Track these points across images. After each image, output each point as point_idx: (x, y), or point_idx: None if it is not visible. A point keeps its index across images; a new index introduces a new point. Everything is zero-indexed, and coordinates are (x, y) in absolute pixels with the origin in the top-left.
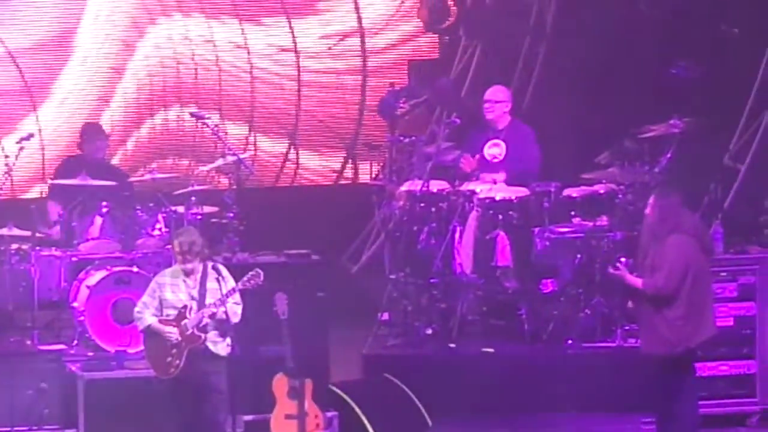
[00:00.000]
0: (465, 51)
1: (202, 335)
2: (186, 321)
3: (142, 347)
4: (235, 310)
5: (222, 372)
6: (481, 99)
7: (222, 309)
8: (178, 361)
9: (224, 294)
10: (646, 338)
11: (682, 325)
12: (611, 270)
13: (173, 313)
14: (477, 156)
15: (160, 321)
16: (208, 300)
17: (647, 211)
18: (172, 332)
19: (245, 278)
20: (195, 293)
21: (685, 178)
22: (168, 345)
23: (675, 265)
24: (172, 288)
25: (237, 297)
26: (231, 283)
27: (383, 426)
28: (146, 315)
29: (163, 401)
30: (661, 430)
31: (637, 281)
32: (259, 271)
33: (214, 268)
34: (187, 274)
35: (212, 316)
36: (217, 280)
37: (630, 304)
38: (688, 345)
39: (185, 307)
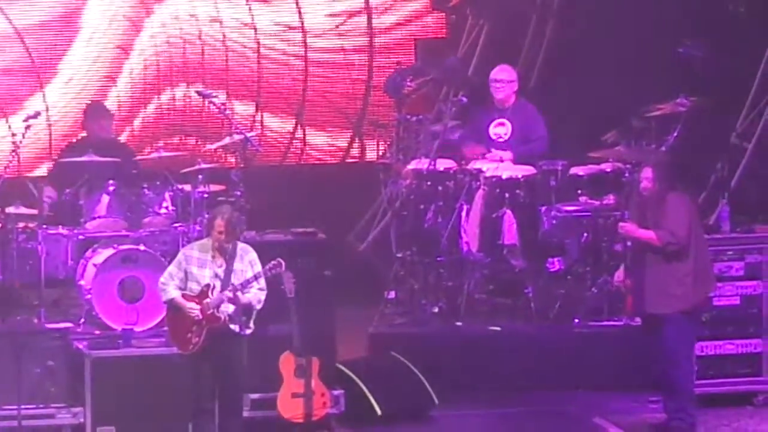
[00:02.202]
0: (472, 29)
1: (222, 316)
2: (208, 300)
3: (150, 325)
4: (259, 296)
5: (242, 351)
6: (488, 78)
7: (242, 294)
8: (197, 339)
9: (247, 279)
10: (653, 297)
11: (692, 282)
12: (620, 226)
13: (196, 288)
14: (482, 148)
15: (183, 296)
16: (233, 281)
17: (643, 184)
18: (194, 309)
19: (267, 266)
20: (221, 272)
21: (691, 157)
22: (189, 321)
23: (681, 216)
24: (199, 262)
25: (262, 282)
26: (257, 266)
27: (390, 404)
28: (170, 287)
29: (174, 379)
30: (667, 404)
31: (650, 234)
32: (281, 261)
33: (243, 249)
34: (220, 251)
35: (232, 300)
36: (242, 261)
37: (618, 276)
38: (695, 301)
39: (208, 286)
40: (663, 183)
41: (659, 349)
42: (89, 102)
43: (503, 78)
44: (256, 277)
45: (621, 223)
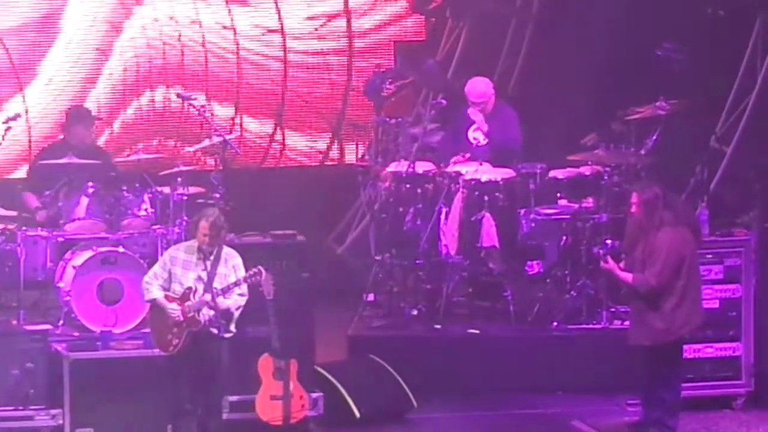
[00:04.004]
0: (451, 32)
1: (203, 320)
2: (189, 303)
3: (129, 327)
4: (239, 302)
5: (222, 353)
6: (466, 81)
7: (222, 299)
8: (177, 340)
9: (228, 285)
10: (636, 330)
11: (675, 317)
12: (602, 264)
13: (179, 290)
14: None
15: (166, 297)
16: (215, 284)
17: (632, 209)
18: (175, 311)
19: (247, 274)
20: (204, 275)
21: (670, 161)
22: (170, 322)
23: (667, 261)
24: (184, 264)
25: (243, 288)
26: (241, 271)
27: (368, 407)
28: (154, 287)
29: (153, 380)
30: (646, 413)
31: (628, 277)
32: (261, 269)
33: (228, 254)
34: (204, 254)
35: (211, 305)
36: (226, 265)
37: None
38: (680, 333)
39: (190, 288)
40: (652, 216)
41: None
42: (72, 106)
43: (483, 98)
44: (236, 284)
45: (602, 263)
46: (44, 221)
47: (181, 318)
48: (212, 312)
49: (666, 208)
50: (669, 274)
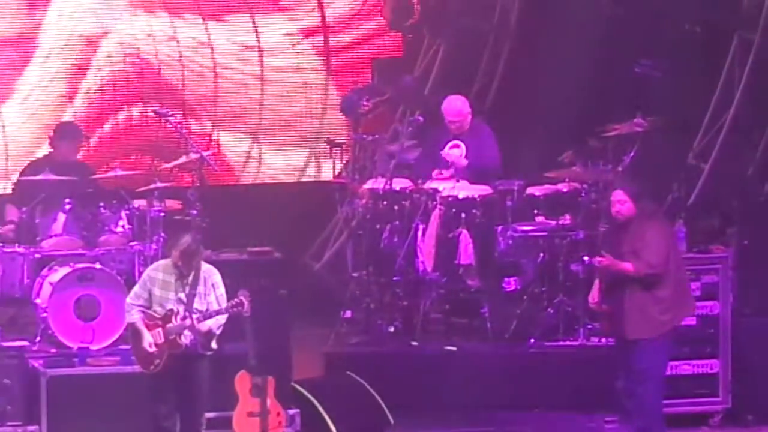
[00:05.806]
0: (428, 49)
1: (183, 343)
2: (171, 325)
3: (106, 343)
4: (219, 322)
5: (203, 371)
6: (444, 97)
7: (204, 323)
8: (158, 360)
9: (210, 312)
10: (634, 323)
11: (671, 305)
12: (598, 260)
13: (161, 310)
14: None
15: (149, 316)
16: (196, 304)
17: (615, 208)
18: (153, 337)
19: (230, 303)
20: (183, 297)
21: (649, 177)
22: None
23: (659, 244)
24: (163, 284)
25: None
26: (220, 289)
27: (345, 424)
28: (134, 311)
29: (130, 397)
30: (634, 421)
31: (628, 266)
32: (244, 300)
33: (206, 272)
34: (181, 273)
35: (192, 329)
36: (205, 284)
37: (593, 298)
38: (675, 324)
39: (171, 311)
40: (642, 206)
41: (630, 369)
42: (61, 122)
43: (459, 117)
44: (218, 313)
45: (598, 258)
46: (11, 237)
47: (162, 340)
48: (192, 336)
49: (653, 205)
50: (665, 256)
